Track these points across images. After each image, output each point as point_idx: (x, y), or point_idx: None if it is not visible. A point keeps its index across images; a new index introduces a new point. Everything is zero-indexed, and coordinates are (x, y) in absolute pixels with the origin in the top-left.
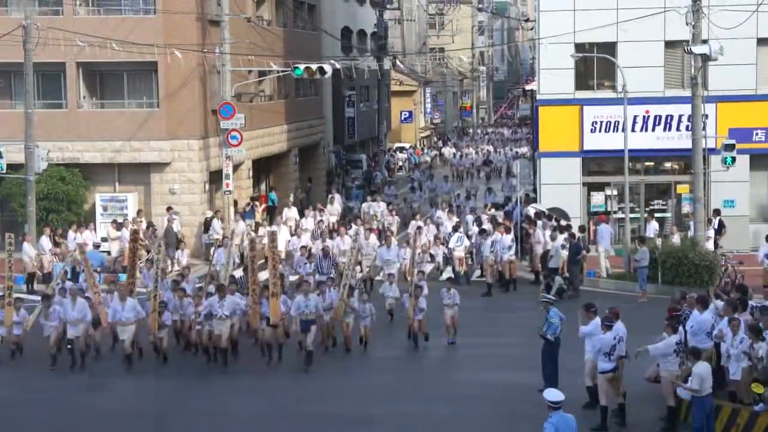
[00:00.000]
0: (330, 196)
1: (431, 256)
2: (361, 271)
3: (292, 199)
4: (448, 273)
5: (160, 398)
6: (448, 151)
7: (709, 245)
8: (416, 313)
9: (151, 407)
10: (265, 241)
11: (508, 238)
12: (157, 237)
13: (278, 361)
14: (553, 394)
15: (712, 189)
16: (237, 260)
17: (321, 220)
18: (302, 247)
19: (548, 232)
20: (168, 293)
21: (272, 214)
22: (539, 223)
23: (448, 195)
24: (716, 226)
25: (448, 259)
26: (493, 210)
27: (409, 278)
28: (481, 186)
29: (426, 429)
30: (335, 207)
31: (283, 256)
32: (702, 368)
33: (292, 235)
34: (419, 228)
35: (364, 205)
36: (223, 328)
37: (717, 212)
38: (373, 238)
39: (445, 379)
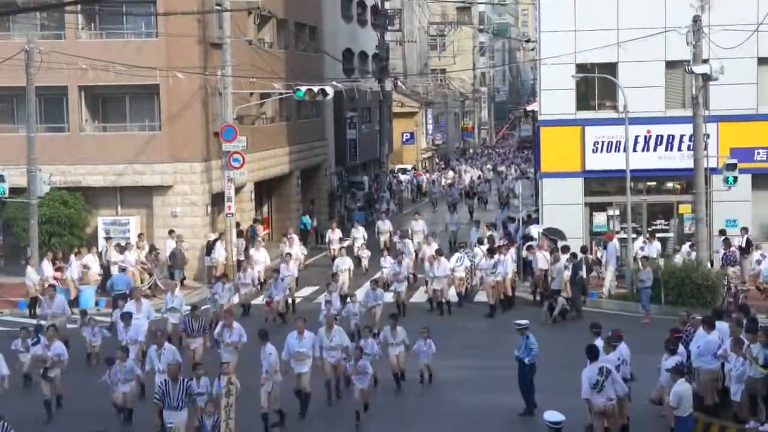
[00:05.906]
0: (288, 236)
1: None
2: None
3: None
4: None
5: None
6: (451, 174)
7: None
8: None
9: None
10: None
11: (510, 259)
12: (160, 260)
13: None
14: (553, 416)
15: (714, 208)
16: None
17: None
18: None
19: (547, 254)
20: None
21: (306, 238)
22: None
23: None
24: (743, 245)
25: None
26: (489, 231)
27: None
28: (462, 223)
29: None
30: (295, 250)
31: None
32: (682, 387)
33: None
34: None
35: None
36: None
37: (744, 230)
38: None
39: (448, 401)
